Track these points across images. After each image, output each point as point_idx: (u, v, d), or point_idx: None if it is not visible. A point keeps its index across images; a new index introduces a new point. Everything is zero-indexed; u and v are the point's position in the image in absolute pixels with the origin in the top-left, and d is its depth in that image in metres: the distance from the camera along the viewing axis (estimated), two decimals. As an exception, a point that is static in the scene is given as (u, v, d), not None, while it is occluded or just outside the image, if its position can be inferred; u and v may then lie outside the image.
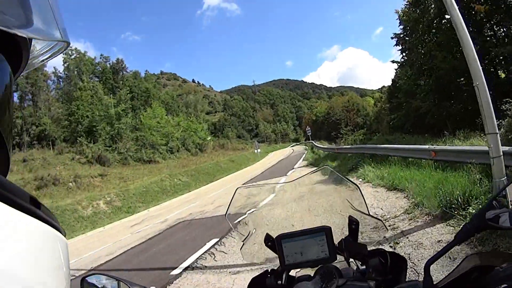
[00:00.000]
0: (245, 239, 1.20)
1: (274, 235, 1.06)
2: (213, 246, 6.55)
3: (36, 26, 0.36)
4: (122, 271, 6.94)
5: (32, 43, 0.41)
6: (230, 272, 4.90)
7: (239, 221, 1.30)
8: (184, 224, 10.43)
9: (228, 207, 1.19)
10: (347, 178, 1.20)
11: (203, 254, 6.18)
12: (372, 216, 1.11)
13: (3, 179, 0.31)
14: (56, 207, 18.17)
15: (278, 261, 1.04)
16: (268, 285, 1.04)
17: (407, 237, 4.50)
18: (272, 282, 1.04)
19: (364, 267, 1.01)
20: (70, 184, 23.56)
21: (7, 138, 0.36)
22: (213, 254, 6.02)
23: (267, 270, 1.07)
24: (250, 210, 1.31)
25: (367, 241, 1.09)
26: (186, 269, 5.58)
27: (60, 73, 37.84)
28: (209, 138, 46.22)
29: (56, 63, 42.21)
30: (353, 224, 1.02)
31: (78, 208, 19.12)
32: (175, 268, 5.72)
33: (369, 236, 1.12)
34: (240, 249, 1.21)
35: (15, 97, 34.64)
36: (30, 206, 0.33)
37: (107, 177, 26.33)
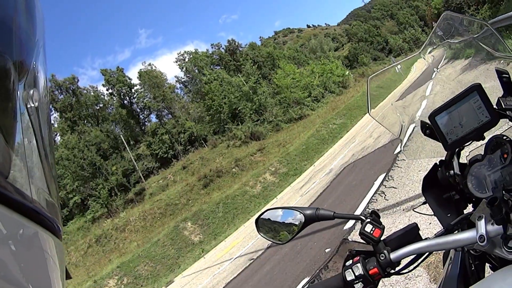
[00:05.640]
0: (399, 133, 1.11)
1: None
2: (381, 183, 6.17)
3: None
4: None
5: None
6: (403, 210, 4.55)
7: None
8: (349, 168, 10.20)
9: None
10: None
11: (373, 196, 5.84)
12: None
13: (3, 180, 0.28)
14: (226, 196, 18.65)
15: (442, 146, 0.88)
16: (441, 179, 0.92)
17: None
18: (444, 174, 0.91)
19: None
20: (233, 170, 24.03)
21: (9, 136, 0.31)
22: (383, 193, 5.67)
23: (436, 164, 0.95)
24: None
25: None
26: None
27: (183, 78, 41.15)
28: (347, 72, 44.59)
29: (176, 72, 46.46)
30: (503, 77, 0.83)
31: (247, 189, 19.41)
32: (347, 221, 5.31)
33: None
34: (401, 148, 1.17)
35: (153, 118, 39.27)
36: (29, 205, 0.31)
37: (265, 149, 26.37)
